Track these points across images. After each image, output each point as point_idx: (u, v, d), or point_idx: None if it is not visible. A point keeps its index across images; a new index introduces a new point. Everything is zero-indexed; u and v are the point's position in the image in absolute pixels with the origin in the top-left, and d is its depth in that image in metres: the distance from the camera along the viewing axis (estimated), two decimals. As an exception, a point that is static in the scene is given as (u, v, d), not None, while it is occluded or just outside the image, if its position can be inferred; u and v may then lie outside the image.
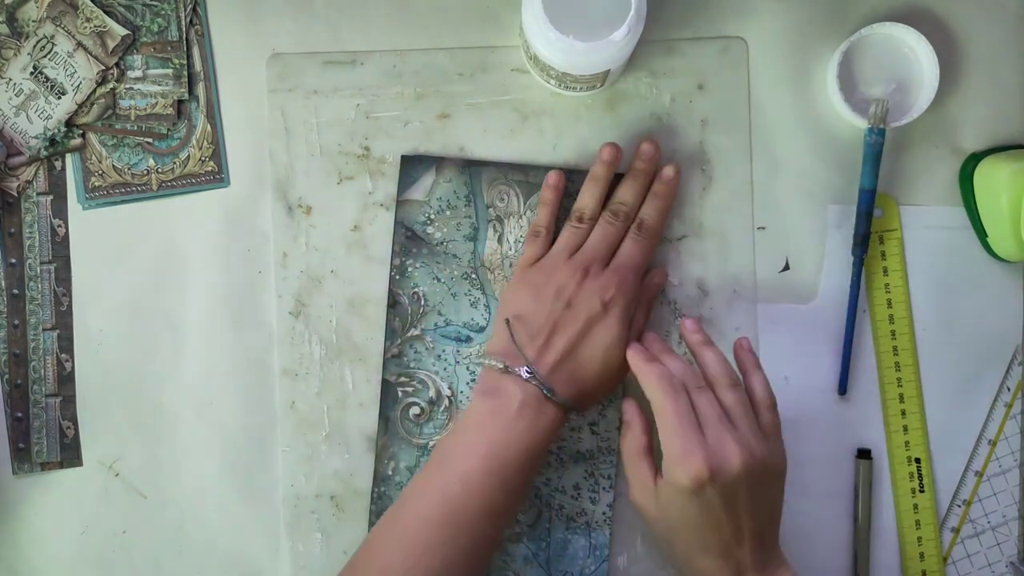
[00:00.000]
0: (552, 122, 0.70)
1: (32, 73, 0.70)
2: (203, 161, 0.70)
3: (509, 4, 0.70)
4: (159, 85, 0.70)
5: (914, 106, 0.68)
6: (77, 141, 0.70)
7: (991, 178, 0.68)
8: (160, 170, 0.70)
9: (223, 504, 0.70)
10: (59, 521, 0.70)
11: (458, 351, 0.70)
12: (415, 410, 0.70)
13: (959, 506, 0.70)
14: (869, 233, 0.69)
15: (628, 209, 0.67)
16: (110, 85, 0.70)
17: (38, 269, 0.70)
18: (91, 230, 0.70)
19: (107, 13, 0.70)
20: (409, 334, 0.70)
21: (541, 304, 0.64)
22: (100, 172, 0.70)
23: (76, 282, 0.70)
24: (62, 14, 0.69)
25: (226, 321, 0.70)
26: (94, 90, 0.70)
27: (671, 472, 0.59)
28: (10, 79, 0.70)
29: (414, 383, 0.70)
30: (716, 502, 0.58)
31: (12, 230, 0.70)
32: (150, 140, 0.70)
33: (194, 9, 0.70)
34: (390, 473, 0.69)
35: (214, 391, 0.70)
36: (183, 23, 0.70)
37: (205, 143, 0.70)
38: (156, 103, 0.70)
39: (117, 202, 0.70)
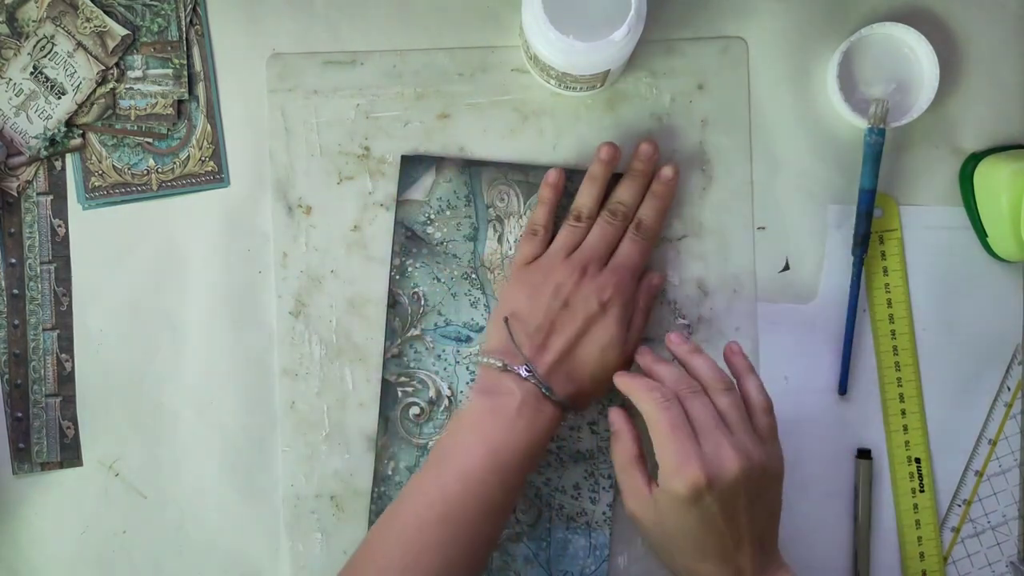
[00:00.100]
0: (552, 122, 0.70)
1: (32, 73, 0.70)
2: (203, 161, 0.70)
3: (509, 4, 0.70)
4: (159, 85, 0.70)
5: (914, 106, 0.68)
6: (77, 141, 0.70)
7: (991, 178, 0.68)
8: (160, 170, 0.70)
9: (223, 504, 0.70)
10: (59, 521, 0.70)
11: (458, 351, 0.70)
12: (415, 410, 0.70)
13: (959, 506, 0.70)
14: (869, 233, 0.69)
15: (626, 209, 0.67)
16: (110, 85, 0.70)
17: (38, 269, 0.70)
18: (91, 230, 0.70)
19: (107, 13, 0.70)
20: (409, 334, 0.70)
21: (539, 303, 0.64)
22: (100, 172, 0.70)
23: (76, 282, 0.70)
24: (62, 14, 0.69)
25: (226, 321, 0.70)
26: (94, 90, 0.70)
27: (668, 482, 0.58)
28: (10, 79, 0.70)
29: (414, 383, 0.70)
30: (715, 509, 0.58)
31: (12, 230, 0.70)
32: (150, 140, 0.70)
33: (194, 9, 0.70)
34: (390, 473, 0.69)
35: (214, 391, 0.70)
36: (183, 23, 0.70)
37: (205, 143, 0.70)
38: (156, 103, 0.70)
39: (117, 202, 0.70)
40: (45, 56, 0.69)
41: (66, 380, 0.70)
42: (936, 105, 0.68)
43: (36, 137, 0.70)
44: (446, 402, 0.70)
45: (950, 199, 0.70)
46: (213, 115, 0.70)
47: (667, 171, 0.68)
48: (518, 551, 0.69)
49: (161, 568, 0.70)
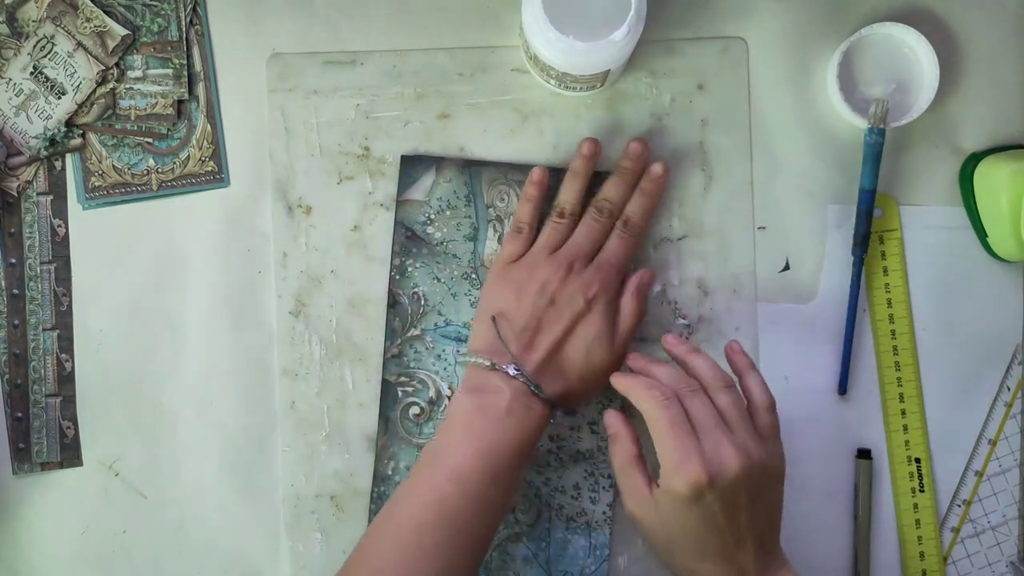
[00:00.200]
0: (552, 122, 0.70)
1: (32, 73, 0.70)
2: (203, 161, 0.70)
3: (509, 4, 0.70)
4: (159, 85, 0.70)
5: (914, 106, 0.68)
6: (77, 141, 0.70)
7: (991, 178, 0.68)
8: (160, 170, 0.70)
9: (223, 504, 0.70)
10: (59, 521, 0.70)
11: (458, 351, 0.70)
12: (415, 410, 0.70)
13: (959, 506, 0.70)
14: (869, 233, 0.69)
15: (613, 207, 0.67)
16: (110, 85, 0.70)
17: (38, 269, 0.70)
18: (91, 230, 0.70)
19: (107, 13, 0.70)
20: (409, 334, 0.70)
21: (524, 301, 0.64)
22: (100, 172, 0.70)
23: (76, 282, 0.70)
24: (62, 14, 0.69)
25: (226, 321, 0.70)
26: (94, 90, 0.70)
27: (669, 481, 0.58)
28: (10, 79, 0.70)
29: (414, 383, 0.70)
30: (716, 508, 0.57)
31: (12, 230, 0.70)
32: (150, 140, 0.70)
33: (194, 9, 0.70)
34: (390, 473, 0.69)
35: (214, 391, 0.70)
36: (183, 23, 0.70)
37: (205, 143, 0.70)
38: (156, 103, 0.70)
39: (117, 202, 0.70)
40: (45, 56, 0.69)
41: (66, 380, 0.70)
42: (936, 105, 0.68)
43: (36, 137, 0.70)
44: (446, 402, 0.70)
45: (950, 199, 0.70)
46: (213, 115, 0.70)
47: (657, 168, 0.68)
48: (518, 551, 0.69)
49: (161, 568, 0.70)
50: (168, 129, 0.70)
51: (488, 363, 0.63)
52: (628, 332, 0.66)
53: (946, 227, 0.70)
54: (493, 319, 0.64)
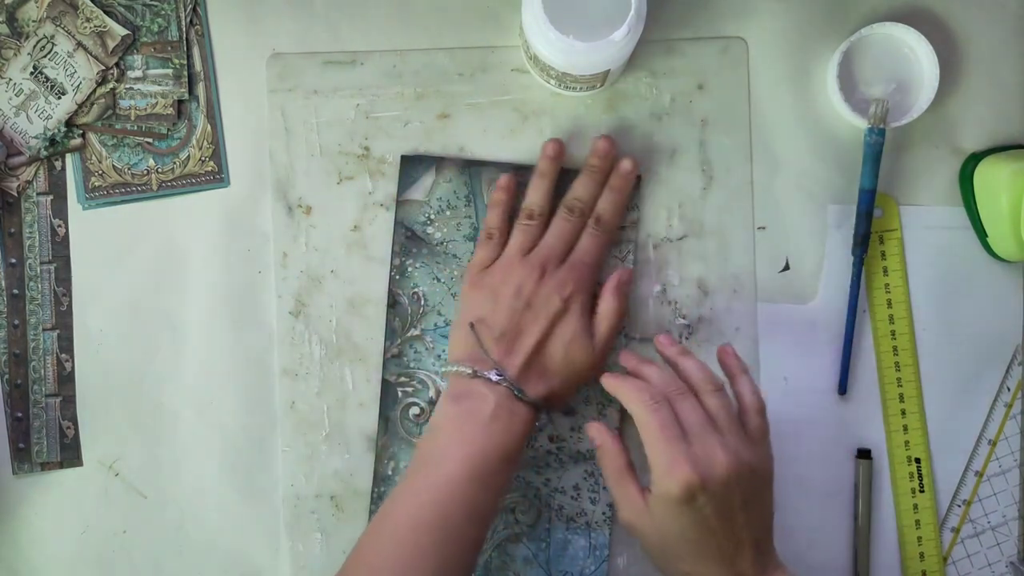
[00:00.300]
0: (552, 122, 0.70)
1: (32, 73, 0.70)
2: (203, 161, 0.70)
3: (509, 4, 0.70)
4: (159, 85, 0.70)
5: (914, 106, 0.68)
6: (77, 141, 0.70)
7: (991, 178, 0.68)
8: (160, 170, 0.70)
9: (223, 504, 0.70)
10: (59, 521, 0.70)
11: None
12: (415, 410, 0.70)
13: (959, 506, 0.70)
14: (869, 233, 0.69)
15: (583, 205, 0.67)
16: (110, 85, 0.70)
17: (38, 269, 0.70)
18: (91, 230, 0.70)
19: (107, 13, 0.70)
20: (409, 334, 0.70)
21: (501, 306, 0.64)
22: (100, 172, 0.70)
23: (76, 282, 0.70)
24: (62, 14, 0.69)
25: (226, 321, 0.70)
26: (94, 90, 0.70)
27: (661, 484, 0.58)
28: (10, 79, 0.70)
29: (414, 383, 0.70)
30: (709, 510, 0.57)
31: (12, 230, 0.70)
32: (150, 140, 0.70)
33: (194, 9, 0.70)
34: (390, 473, 0.69)
35: (214, 391, 0.70)
36: (183, 23, 0.70)
37: (205, 143, 0.70)
38: (156, 103, 0.70)
39: (117, 202, 0.70)
40: (45, 56, 0.69)
41: (66, 380, 0.70)
42: (936, 105, 0.68)
43: (36, 137, 0.70)
44: (446, 402, 0.70)
45: (950, 199, 0.70)
46: (213, 115, 0.70)
47: (626, 164, 0.68)
48: (518, 552, 0.69)
49: (161, 568, 0.70)
50: (168, 129, 0.70)
51: (470, 371, 0.63)
52: (609, 331, 0.66)
53: (946, 227, 0.70)
54: (471, 326, 0.64)
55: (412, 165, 0.70)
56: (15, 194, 0.70)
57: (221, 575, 0.70)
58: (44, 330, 0.70)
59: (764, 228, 0.70)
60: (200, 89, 0.70)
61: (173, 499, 0.70)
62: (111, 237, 0.70)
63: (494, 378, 0.62)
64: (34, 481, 0.70)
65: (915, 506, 0.70)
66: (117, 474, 0.70)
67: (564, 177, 0.68)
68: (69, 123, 0.70)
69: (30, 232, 0.70)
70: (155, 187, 0.70)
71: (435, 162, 0.70)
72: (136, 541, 0.70)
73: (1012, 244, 0.66)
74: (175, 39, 0.70)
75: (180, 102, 0.70)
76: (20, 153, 0.70)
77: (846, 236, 0.70)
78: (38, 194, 0.70)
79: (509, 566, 0.69)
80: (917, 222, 0.70)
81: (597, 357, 0.65)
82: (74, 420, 0.70)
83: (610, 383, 0.62)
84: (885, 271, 0.70)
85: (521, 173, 0.69)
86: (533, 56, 0.66)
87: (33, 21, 0.70)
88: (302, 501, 0.70)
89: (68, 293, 0.70)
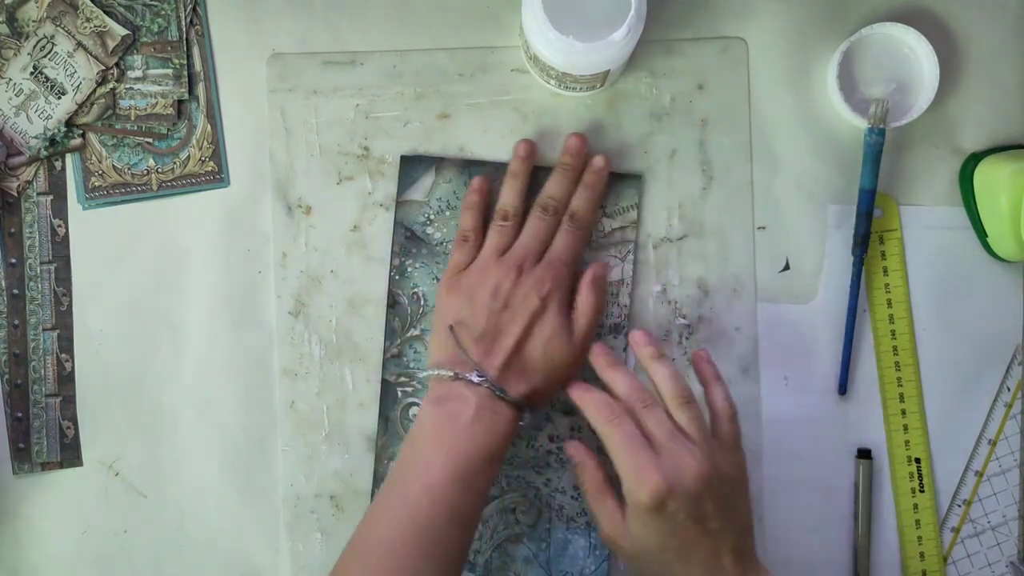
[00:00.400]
0: (552, 122, 0.70)
1: (32, 73, 0.70)
2: (203, 161, 0.70)
3: (509, 4, 0.70)
4: (159, 85, 0.70)
5: (914, 106, 0.68)
6: (77, 141, 0.70)
7: (991, 178, 0.68)
8: (160, 170, 0.70)
9: (223, 504, 0.70)
10: (59, 521, 0.70)
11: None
12: (415, 410, 0.70)
13: (959, 506, 0.70)
14: (869, 233, 0.69)
15: (557, 204, 0.67)
16: (110, 85, 0.70)
17: (38, 269, 0.70)
18: (91, 230, 0.70)
19: (107, 13, 0.70)
20: (409, 334, 0.70)
21: (479, 307, 0.64)
22: (100, 172, 0.70)
23: (76, 282, 0.70)
24: (62, 14, 0.69)
25: (226, 321, 0.70)
26: (94, 90, 0.70)
27: (632, 495, 0.58)
28: (10, 79, 0.70)
29: (414, 383, 0.70)
30: (682, 516, 0.57)
31: (12, 230, 0.70)
32: (150, 140, 0.70)
33: (194, 9, 0.70)
34: (390, 473, 0.69)
35: (214, 391, 0.70)
36: (183, 23, 0.70)
37: (205, 143, 0.70)
38: (156, 103, 0.70)
39: (117, 202, 0.70)
40: (45, 56, 0.69)
41: (66, 380, 0.70)
42: (936, 105, 0.68)
43: (36, 137, 0.70)
44: (446, 402, 0.70)
45: (950, 199, 0.70)
46: (213, 115, 0.70)
47: (598, 161, 0.68)
48: (518, 552, 0.69)
49: (161, 568, 0.70)
50: (168, 129, 0.70)
51: (451, 373, 0.63)
52: (588, 326, 0.66)
53: (946, 227, 0.70)
54: (451, 329, 0.64)
55: (412, 165, 0.70)
56: (15, 194, 0.70)
57: (221, 575, 0.70)
58: (44, 330, 0.70)
59: (764, 228, 0.70)
60: (200, 89, 0.70)
61: (173, 499, 0.70)
62: (111, 237, 0.70)
63: (475, 379, 0.62)
64: (34, 481, 0.70)
65: (915, 506, 0.70)
66: (117, 474, 0.70)
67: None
68: (69, 123, 0.70)
69: (30, 232, 0.70)
70: (155, 187, 0.70)
71: (435, 162, 0.70)
72: (136, 541, 0.70)
73: (1012, 244, 0.66)
74: (175, 39, 0.70)
75: (180, 102, 0.70)
76: (20, 153, 0.70)
77: (846, 236, 0.70)
78: (38, 194, 0.70)
79: (509, 566, 0.69)
80: (917, 222, 0.70)
81: (577, 352, 0.65)
82: (74, 420, 0.70)
83: (576, 394, 0.62)
84: (885, 271, 0.70)
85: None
86: (533, 56, 0.66)
87: (33, 21, 0.70)
88: (302, 501, 0.70)
89: (68, 293, 0.70)
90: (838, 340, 0.70)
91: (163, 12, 0.70)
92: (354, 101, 0.70)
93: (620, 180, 0.70)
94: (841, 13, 0.70)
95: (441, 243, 0.70)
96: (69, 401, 0.70)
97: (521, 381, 0.63)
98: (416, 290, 0.70)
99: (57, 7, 0.69)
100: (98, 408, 0.70)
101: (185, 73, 0.70)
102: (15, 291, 0.70)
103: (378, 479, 0.69)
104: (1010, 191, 0.66)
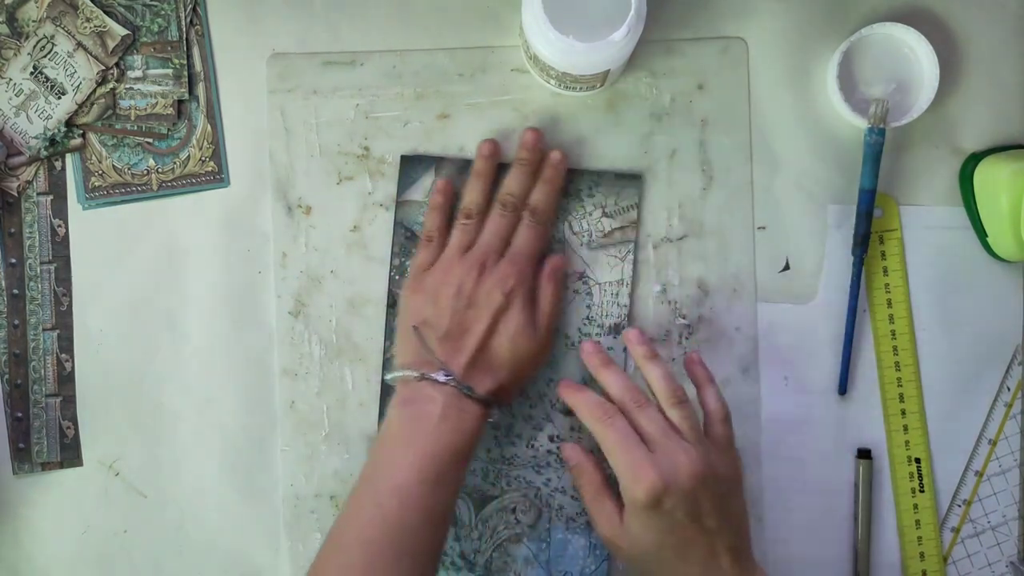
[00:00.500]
0: (552, 122, 0.70)
1: (32, 73, 0.70)
2: (203, 161, 0.70)
3: (509, 4, 0.70)
4: (159, 85, 0.70)
5: (914, 106, 0.68)
6: (77, 141, 0.70)
7: (991, 178, 0.68)
8: (160, 170, 0.70)
9: (223, 504, 0.70)
10: (59, 521, 0.70)
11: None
12: (415, 410, 0.70)
13: (959, 506, 0.70)
14: (869, 233, 0.69)
15: (516, 200, 0.67)
16: (110, 85, 0.70)
17: (38, 269, 0.70)
18: (91, 230, 0.70)
19: (107, 13, 0.70)
20: (409, 334, 0.70)
21: (443, 306, 0.64)
22: (100, 172, 0.70)
23: (76, 282, 0.70)
24: (62, 14, 0.69)
25: (226, 321, 0.70)
26: (94, 90, 0.70)
27: (628, 493, 0.58)
28: (10, 79, 0.70)
29: (414, 383, 0.70)
30: (680, 514, 0.57)
31: (12, 230, 0.70)
32: (150, 140, 0.70)
33: (194, 9, 0.70)
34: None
35: (214, 391, 0.70)
36: (183, 23, 0.70)
37: (205, 143, 0.70)
38: (156, 103, 0.70)
39: (117, 202, 0.70)
40: (45, 56, 0.69)
41: (66, 380, 0.70)
42: (936, 105, 0.68)
43: (36, 137, 0.70)
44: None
45: (950, 199, 0.70)
46: (213, 115, 0.70)
47: (555, 155, 0.68)
48: (518, 552, 0.69)
49: (161, 568, 0.70)
50: (168, 129, 0.70)
51: (416, 374, 0.63)
52: (549, 317, 0.66)
53: (946, 227, 0.70)
54: (415, 329, 0.64)
55: (412, 165, 0.70)
56: (15, 194, 0.70)
57: (221, 575, 0.70)
58: (44, 330, 0.70)
59: (764, 228, 0.70)
60: (200, 89, 0.70)
61: (173, 499, 0.70)
62: (111, 237, 0.70)
63: (441, 379, 0.62)
64: (34, 481, 0.70)
65: (915, 506, 0.70)
66: (117, 474, 0.70)
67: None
68: (69, 123, 0.70)
69: (30, 232, 0.70)
70: (155, 187, 0.70)
71: (435, 162, 0.70)
72: (136, 541, 0.70)
73: (1012, 244, 0.66)
74: (175, 39, 0.70)
75: (180, 102, 0.70)
76: (20, 153, 0.70)
77: (846, 236, 0.70)
78: (38, 194, 0.70)
79: (509, 566, 0.69)
80: (917, 222, 0.70)
81: (543, 345, 0.66)
82: (74, 420, 0.70)
83: (567, 394, 0.63)
84: (885, 271, 0.70)
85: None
86: (533, 56, 0.66)
87: (33, 21, 0.70)
88: (302, 501, 0.70)
89: (68, 293, 0.70)
90: (838, 340, 0.70)
91: (163, 12, 0.70)
92: (354, 101, 0.70)
93: (620, 180, 0.70)
94: (841, 13, 0.70)
95: (441, 243, 0.70)
96: (69, 401, 0.70)
97: (487, 378, 0.63)
98: (416, 290, 0.70)
99: (57, 7, 0.69)
100: (98, 408, 0.70)
101: (185, 73, 0.70)
102: (15, 291, 0.70)
103: (378, 479, 0.69)
104: (1010, 191, 0.66)
